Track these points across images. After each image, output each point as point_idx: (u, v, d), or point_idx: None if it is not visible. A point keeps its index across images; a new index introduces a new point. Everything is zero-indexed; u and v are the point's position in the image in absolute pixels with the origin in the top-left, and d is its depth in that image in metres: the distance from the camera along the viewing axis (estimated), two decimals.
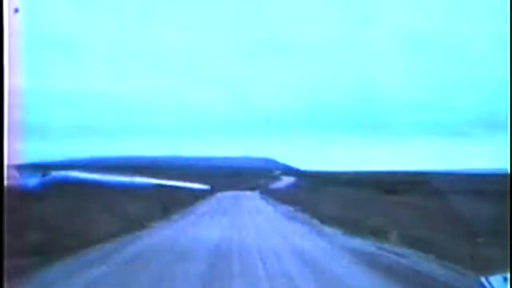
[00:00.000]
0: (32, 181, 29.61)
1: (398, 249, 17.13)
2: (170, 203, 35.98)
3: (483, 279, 4.62)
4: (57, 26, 63.65)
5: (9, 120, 5.81)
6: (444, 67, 75.24)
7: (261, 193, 66.15)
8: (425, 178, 42.89)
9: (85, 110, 73.71)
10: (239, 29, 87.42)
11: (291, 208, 39.19)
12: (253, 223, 28.69)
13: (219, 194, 61.45)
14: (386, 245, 18.13)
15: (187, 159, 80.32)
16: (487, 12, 55.14)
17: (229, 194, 63.06)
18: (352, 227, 22.94)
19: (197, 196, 51.16)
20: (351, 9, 76.50)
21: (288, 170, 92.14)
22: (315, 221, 28.41)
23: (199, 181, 62.29)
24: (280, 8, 75.98)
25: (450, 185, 37.82)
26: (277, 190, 66.30)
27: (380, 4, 67.04)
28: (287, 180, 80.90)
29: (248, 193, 66.68)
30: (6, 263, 5.76)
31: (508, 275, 4.57)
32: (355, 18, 78.70)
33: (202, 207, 43.28)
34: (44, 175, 34.78)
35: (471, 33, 68.02)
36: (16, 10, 5.92)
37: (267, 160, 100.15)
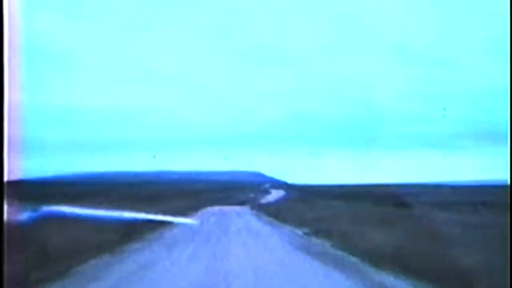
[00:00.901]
0: (24, 215, 29.33)
1: None
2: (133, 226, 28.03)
3: None
4: (53, 41, 63.87)
5: (9, 135, 5.96)
6: (437, 78, 75.83)
7: (252, 208, 62.77)
8: (423, 190, 43.01)
9: (79, 125, 73.77)
10: (228, 41, 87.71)
11: (297, 231, 29.87)
12: (247, 254, 19.64)
13: (204, 211, 56.10)
14: None
15: (175, 173, 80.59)
16: (479, 23, 56.01)
17: (215, 210, 58.05)
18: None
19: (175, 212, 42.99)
20: (341, 20, 77.08)
21: (277, 184, 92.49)
22: (340, 254, 18.97)
23: (186, 196, 62.51)
24: (271, 19, 76.45)
25: (451, 197, 38.28)
26: (270, 205, 63.19)
27: (371, 15, 67.41)
28: (276, 193, 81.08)
29: (237, 208, 63.10)
30: None
31: None
32: (346, 29, 79.22)
33: (178, 229, 32.90)
34: (34, 210, 34.78)
35: (463, 44, 68.63)
36: None
37: (255, 174, 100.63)
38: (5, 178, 6.40)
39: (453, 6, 58.07)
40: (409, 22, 66.99)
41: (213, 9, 73.85)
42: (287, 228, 32.22)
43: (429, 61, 71.83)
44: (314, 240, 24.45)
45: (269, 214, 47.16)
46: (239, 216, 47.41)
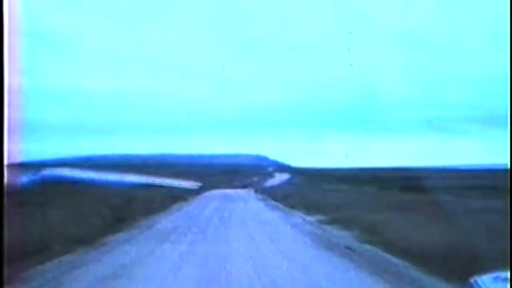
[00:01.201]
0: (23, 179, 28.77)
1: None
2: (126, 210, 25.75)
3: (472, 280, 4.34)
4: (53, 24, 63.32)
5: (9, 119, 5.75)
6: (438, 63, 75.34)
7: (256, 191, 60.85)
8: (426, 174, 42.02)
9: (79, 108, 73.32)
10: (232, 26, 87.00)
11: (308, 218, 26.26)
12: (251, 249, 15.95)
13: (206, 194, 54.39)
14: None
15: (178, 156, 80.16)
16: (481, 7, 55.23)
17: (219, 193, 56.18)
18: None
19: (175, 197, 40.80)
20: (343, 5, 76.30)
21: (281, 167, 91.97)
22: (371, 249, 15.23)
23: (190, 179, 62.03)
24: (273, 5, 75.72)
25: (458, 181, 37.40)
26: (275, 188, 60.89)
27: (373, 2, 66.78)
28: (280, 177, 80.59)
29: (241, 191, 61.95)
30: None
31: (499, 274, 4.36)
32: (348, 14, 78.36)
33: (176, 215, 29.53)
34: (34, 173, 34.62)
35: (465, 29, 68.07)
36: None
37: (259, 157, 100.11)
38: (5, 162, 6.09)
39: None
40: (411, 8, 66.19)
41: None
42: (297, 215, 28.61)
43: (431, 47, 71.13)
44: (330, 229, 20.76)
45: (275, 198, 44.07)
46: (243, 201, 43.85)
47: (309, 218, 26.26)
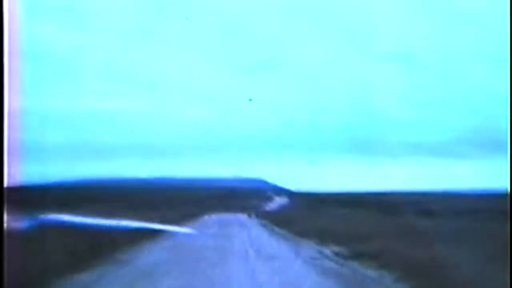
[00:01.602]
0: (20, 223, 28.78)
1: None
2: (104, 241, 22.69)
3: None
4: (53, 46, 63.08)
5: (9, 140, 5.57)
6: (440, 85, 74.80)
7: (257, 216, 58.56)
8: (442, 199, 40.61)
9: (78, 130, 72.55)
10: (231, 47, 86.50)
11: (324, 250, 21.97)
12: None
13: (203, 219, 50.66)
14: None
15: (175, 180, 78.99)
16: (481, 30, 54.71)
17: (215, 219, 52.60)
18: None
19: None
20: (342, 28, 76.07)
21: (280, 191, 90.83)
22: None
23: (187, 204, 60.74)
24: (273, 26, 75.55)
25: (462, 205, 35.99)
26: (276, 213, 58.94)
27: (372, 22, 66.64)
28: (280, 201, 79.45)
29: (241, 217, 59.46)
30: None
31: None
32: (346, 36, 78.19)
33: (167, 243, 25.51)
34: (32, 217, 34.33)
35: (467, 51, 67.70)
36: None
37: (257, 181, 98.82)
38: (5, 184, 6.23)
39: (454, 13, 57.10)
40: (411, 29, 66.02)
41: (216, 17, 72.72)
42: (308, 245, 24.33)
43: (433, 68, 70.80)
44: (358, 267, 16.28)
45: (278, 224, 40.06)
46: (243, 228, 39.86)
47: (326, 250, 21.63)
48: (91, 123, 76.85)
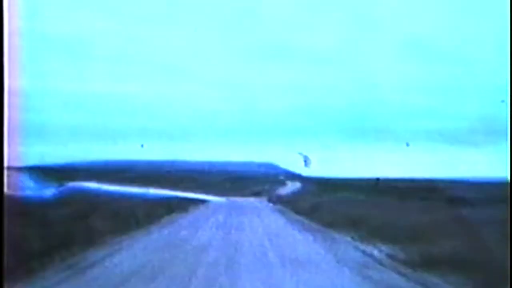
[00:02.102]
0: (48, 191, 30.01)
1: None
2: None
3: None
4: (58, 27, 62.06)
5: (9, 122, 5.51)
6: (451, 72, 73.23)
7: (271, 200, 56.64)
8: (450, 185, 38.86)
9: (87, 112, 71.71)
10: (243, 33, 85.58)
11: (368, 248, 16.87)
12: None
13: (212, 203, 48.76)
14: None
15: (188, 163, 78.13)
16: (490, 16, 52.98)
17: (226, 202, 50.97)
18: None
19: (171, 208, 35.26)
20: (352, 14, 74.58)
21: (292, 176, 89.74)
22: None
23: (200, 187, 59.72)
24: (283, 12, 74.34)
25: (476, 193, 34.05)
26: (291, 197, 56.27)
27: (381, 9, 65.30)
28: (292, 185, 78.28)
29: (253, 200, 57.83)
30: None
31: None
32: (356, 22, 76.66)
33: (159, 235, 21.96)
34: (60, 185, 35.64)
35: (474, 38, 65.93)
36: None
37: (269, 165, 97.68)
38: (5, 164, 6.32)
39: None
40: (421, 16, 64.36)
41: (228, 3, 71.37)
42: (339, 239, 19.65)
43: (444, 56, 69.20)
44: (400, 264, 12.78)
45: (295, 210, 35.99)
46: (256, 214, 35.38)
47: (373, 250, 16.12)
48: (105, 105, 76.36)
